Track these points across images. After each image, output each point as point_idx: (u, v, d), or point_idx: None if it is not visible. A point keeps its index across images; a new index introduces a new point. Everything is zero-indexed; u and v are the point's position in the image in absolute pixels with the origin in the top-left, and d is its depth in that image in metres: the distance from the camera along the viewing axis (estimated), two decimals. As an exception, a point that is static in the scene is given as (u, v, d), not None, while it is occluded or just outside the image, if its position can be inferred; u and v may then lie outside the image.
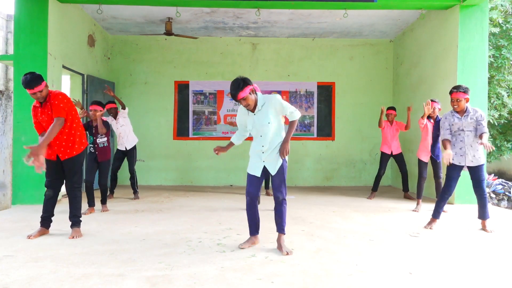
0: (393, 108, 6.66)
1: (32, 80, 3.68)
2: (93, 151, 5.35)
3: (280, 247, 3.49)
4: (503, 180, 8.23)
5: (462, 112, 4.37)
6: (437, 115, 5.61)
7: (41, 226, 4.01)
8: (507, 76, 7.46)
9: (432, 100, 5.54)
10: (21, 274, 2.91)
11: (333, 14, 7.16)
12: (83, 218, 4.42)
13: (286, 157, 3.48)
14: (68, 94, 7.11)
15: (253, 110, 3.45)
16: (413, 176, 7.24)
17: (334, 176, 8.77)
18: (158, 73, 8.65)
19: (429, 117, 5.64)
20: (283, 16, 7.37)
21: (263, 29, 8.17)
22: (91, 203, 5.22)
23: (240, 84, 3.29)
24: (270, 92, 8.63)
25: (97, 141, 5.32)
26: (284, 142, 3.42)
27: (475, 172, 4.38)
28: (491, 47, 7.44)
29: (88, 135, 5.32)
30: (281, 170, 3.47)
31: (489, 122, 7.19)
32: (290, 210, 5.50)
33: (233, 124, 8.63)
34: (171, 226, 4.50)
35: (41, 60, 5.83)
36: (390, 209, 5.81)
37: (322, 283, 2.80)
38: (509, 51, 7.42)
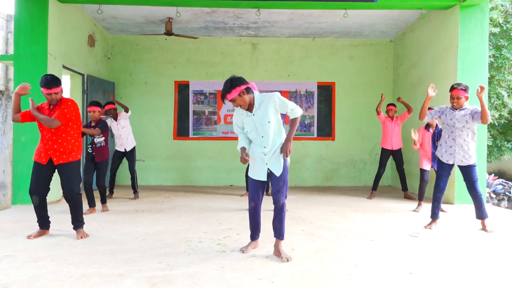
0: (393, 104, 6.67)
1: (53, 80, 3.77)
2: (90, 151, 5.33)
3: (278, 253, 3.34)
4: (503, 180, 8.23)
5: (458, 109, 4.39)
6: (437, 124, 5.61)
7: (40, 228, 4.02)
8: (507, 76, 7.46)
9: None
10: (21, 274, 2.91)
11: (333, 14, 7.16)
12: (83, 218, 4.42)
13: (288, 158, 3.38)
14: (68, 94, 7.13)
15: (250, 110, 3.29)
16: (414, 176, 7.24)
17: (334, 176, 8.77)
18: (158, 73, 8.65)
19: (428, 127, 5.63)
20: (283, 16, 7.37)
21: (263, 29, 8.17)
22: (91, 204, 5.22)
23: (227, 86, 3.16)
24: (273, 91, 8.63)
25: (95, 141, 5.31)
26: (287, 141, 3.29)
27: (467, 173, 4.39)
28: (491, 47, 7.44)
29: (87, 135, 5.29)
30: (285, 171, 3.36)
31: (489, 122, 7.19)
32: (290, 210, 5.50)
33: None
34: (171, 226, 4.50)
35: (41, 60, 5.83)
36: (390, 209, 5.81)
37: (322, 283, 2.79)
38: (509, 51, 7.42)
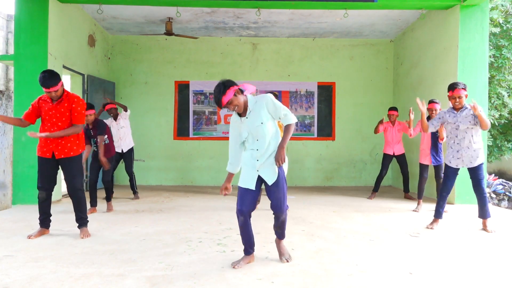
0: (395, 109, 6.58)
1: (50, 78, 3.71)
2: (95, 149, 5.35)
3: (280, 251, 3.29)
4: (504, 180, 8.23)
5: (460, 109, 4.36)
6: None
7: (40, 226, 4.02)
8: (508, 76, 7.45)
9: (433, 101, 5.51)
10: (21, 274, 2.91)
11: (333, 14, 7.16)
12: (83, 218, 4.42)
13: (285, 167, 3.13)
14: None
15: (244, 114, 3.06)
16: (414, 176, 7.23)
17: (334, 176, 8.77)
18: (158, 73, 8.65)
19: (428, 119, 5.63)
20: (283, 16, 7.37)
21: (263, 29, 8.16)
22: (93, 203, 5.23)
23: (220, 88, 2.94)
24: (272, 92, 8.63)
25: (98, 141, 5.32)
26: (280, 148, 3.00)
27: (474, 172, 4.38)
28: (491, 47, 7.44)
29: (89, 138, 5.27)
30: (281, 181, 3.05)
31: (489, 122, 7.18)
32: (290, 210, 5.50)
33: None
34: (171, 226, 4.50)
35: (42, 60, 5.83)
36: (390, 209, 5.81)
37: (322, 283, 2.79)
38: (509, 51, 7.41)
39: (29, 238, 3.88)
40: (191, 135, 8.67)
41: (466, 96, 4.33)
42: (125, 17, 7.51)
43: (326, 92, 8.76)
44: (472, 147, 4.32)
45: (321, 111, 8.75)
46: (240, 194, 3.08)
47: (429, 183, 6.66)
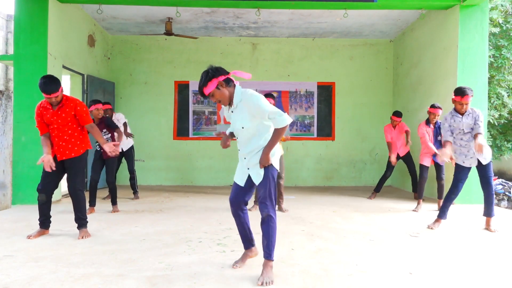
0: (399, 115, 6.33)
1: (51, 85, 3.72)
2: (98, 149, 5.34)
3: (262, 273, 2.82)
4: (503, 180, 8.22)
5: (463, 113, 4.37)
6: (437, 121, 5.61)
7: (40, 227, 4.02)
8: (507, 76, 7.45)
9: (435, 106, 5.48)
10: (21, 274, 2.91)
11: (333, 14, 7.16)
12: (83, 218, 4.43)
13: (277, 165, 2.91)
14: (68, 94, 7.13)
15: (231, 106, 2.85)
16: (410, 176, 7.23)
17: (334, 176, 8.77)
18: (158, 73, 8.65)
19: (428, 123, 5.63)
20: (283, 16, 7.37)
21: (263, 29, 8.17)
22: (92, 203, 5.22)
23: (202, 78, 2.71)
24: (270, 92, 8.63)
25: (116, 134, 5.32)
26: (264, 153, 2.77)
27: (484, 170, 4.38)
28: (491, 47, 7.44)
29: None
30: (266, 179, 2.83)
31: (489, 122, 7.18)
32: (290, 210, 5.51)
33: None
34: (171, 226, 4.50)
35: (41, 60, 5.83)
36: (390, 209, 5.81)
37: (322, 283, 2.79)
38: (509, 51, 7.41)
39: (29, 238, 3.88)
40: (191, 135, 8.67)
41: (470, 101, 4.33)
42: (125, 17, 7.51)
43: (326, 92, 8.77)
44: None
45: (320, 111, 8.75)
46: (233, 186, 3.05)
47: (430, 183, 6.66)
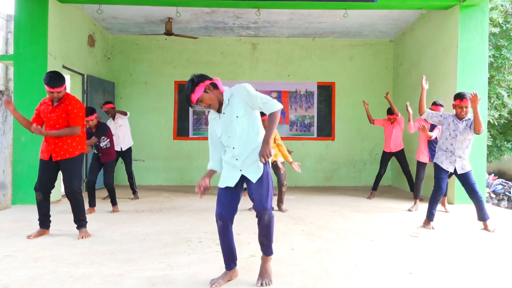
0: (392, 113, 6.44)
1: (56, 79, 3.75)
2: (96, 152, 5.36)
3: (264, 271, 2.78)
4: (503, 180, 8.23)
5: (463, 118, 4.38)
6: None
7: (40, 227, 4.02)
8: (507, 76, 7.45)
9: (436, 104, 5.46)
10: (21, 274, 2.91)
11: (333, 14, 7.16)
12: (83, 218, 4.43)
13: (270, 162, 2.82)
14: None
15: (220, 110, 2.78)
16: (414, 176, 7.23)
17: (334, 176, 8.77)
18: (158, 73, 8.65)
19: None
20: (283, 16, 7.36)
21: (263, 29, 8.16)
22: (91, 203, 5.23)
23: (188, 86, 2.68)
24: (269, 92, 8.64)
25: (100, 145, 5.32)
26: (264, 142, 2.64)
27: (465, 179, 4.42)
28: (491, 47, 7.44)
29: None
30: (265, 178, 2.72)
31: (489, 122, 7.18)
32: (290, 210, 5.51)
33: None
34: (171, 226, 4.50)
35: (41, 60, 5.83)
36: (390, 209, 5.81)
37: (322, 283, 2.79)
38: (509, 51, 7.41)
39: (29, 238, 3.88)
40: (190, 135, 8.67)
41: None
42: (125, 17, 7.51)
43: (326, 92, 8.76)
44: (463, 156, 4.41)
45: (320, 111, 8.75)
46: (219, 196, 2.77)
47: (430, 182, 6.66)
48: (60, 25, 6.28)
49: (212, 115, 2.85)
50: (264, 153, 2.61)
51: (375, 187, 6.79)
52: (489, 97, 7.30)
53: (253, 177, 2.71)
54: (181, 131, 8.66)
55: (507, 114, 7.68)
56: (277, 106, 2.68)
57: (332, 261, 3.29)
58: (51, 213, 4.12)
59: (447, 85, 6.41)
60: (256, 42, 8.72)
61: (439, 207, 5.51)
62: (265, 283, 2.71)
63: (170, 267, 3.09)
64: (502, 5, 7.30)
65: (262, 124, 2.90)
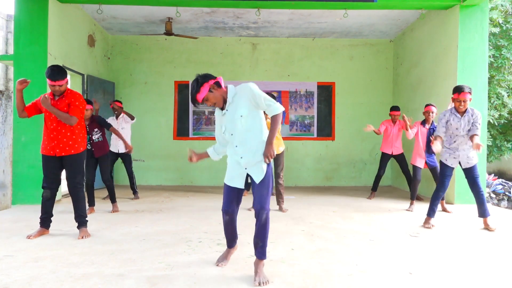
0: (397, 109, 6.46)
1: (58, 72, 3.77)
2: (89, 147, 5.32)
3: (256, 273, 2.83)
4: (503, 180, 8.23)
5: (463, 112, 4.36)
6: (432, 121, 5.62)
7: (40, 226, 4.02)
8: (507, 76, 7.45)
9: (430, 104, 5.58)
10: (21, 274, 2.91)
11: (333, 14, 7.16)
12: (83, 218, 4.43)
13: (271, 163, 3.02)
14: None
15: (224, 107, 2.90)
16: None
17: (334, 176, 8.77)
18: (158, 73, 8.65)
19: (424, 123, 5.64)
20: (283, 16, 7.36)
21: (263, 29, 8.16)
22: (90, 203, 5.22)
23: (194, 86, 2.79)
24: (270, 92, 8.63)
25: (93, 138, 5.30)
26: (268, 143, 2.77)
27: (469, 171, 4.41)
28: (491, 47, 7.44)
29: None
30: (266, 179, 2.85)
31: (489, 122, 7.19)
32: (290, 210, 5.51)
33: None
34: (171, 226, 4.50)
35: (41, 60, 5.83)
36: (390, 209, 5.81)
37: (322, 283, 2.79)
38: (509, 51, 7.41)
39: (29, 238, 3.88)
40: (191, 135, 8.67)
41: (471, 99, 4.33)
42: (125, 17, 7.51)
43: (326, 92, 8.77)
44: (467, 151, 4.38)
45: (320, 111, 8.75)
46: (225, 193, 2.95)
47: (430, 183, 6.66)
48: (60, 25, 6.28)
49: (217, 111, 2.99)
50: (268, 154, 2.77)
51: (374, 187, 6.79)
52: (489, 97, 7.30)
53: (257, 178, 2.85)
54: (181, 131, 8.66)
55: (507, 114, 7.69)
56: (280, 109, 2.82)
57: (332, 261, 3.29)
58: (52, 212, 4.12)
59: (447, 85, 6.41)
60: (256, 42, 8.72)
61: (439, 209, 5.52)
62: (263, 283, 2.75)
63: (170, 267, 3.09)
64: (502, 5, 7.30)
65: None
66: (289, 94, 8.70)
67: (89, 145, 5.32)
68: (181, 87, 8.66)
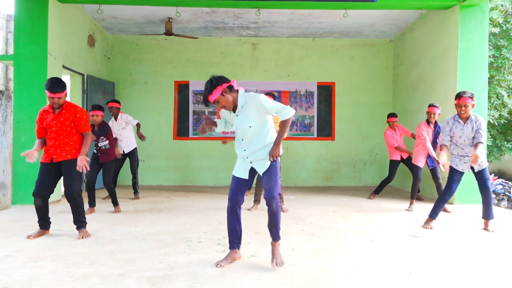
0: (394, 115, 6.43)
1: (58, 85, 3.78)
2: (95, 152, 5.35)
3: (274, 255, 3.10)
4: (503, 180, 8.23)
5: (466, 119, 4.36)
6: (436, 121, 5.62)
7: (40, 228, 4.02)
8: (507, 76, 7.44)
9: (433, 105, 5.55)
10: (21, 274, 2.91)
11: (333, 14, 7.16)
12: (83, 218, 4.42)
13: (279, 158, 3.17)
14: (68, 94, 7.13)
15: (234, 111, 3.08)
16: (410, 176, 7.23)
17: (334, 176, 8.77)
18: (158, 73, 8.65)
19: (429, 122, 5.64)
20: (283, 16, 7.37)
21: (263, 29, 8.17)
22: (91, 203, 5.22)
23: (207, 87, 2.93)
24: (270, 92, 8.62)
25: (99, 145, 5.31)
26: (275, 144, 3.03)
27: (480, 174, 4.41)
28: (491, 47, 7.43)
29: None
30: (273, 169, 3.06)
31: (489, 122, 7.18)
32: (290, 210, 5.51)
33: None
34: (171, 226, 4.50)
35: (41, 60, 5.83)
36: (390, 209, 5.81)
37: (322, 283, 2.79)
38: (509, 51, 7.41)
39: (29, 238, 3.88)
40: (191, 135, 8.67)
41: (473, 105, 4.31)
42: (125, 17, 7.51)
43: (326, 92, 8.77)
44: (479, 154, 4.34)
45: (320, 111, 8.75)
46: (232, 184, 3.17)
47: (429, 184, 6.66)
48: (60, 25, 6.28)
49: (224, 110, 3.17)
50: (273, 154, 3.02)
51: (378, 190, 6.71)
52: (489, 97, 7.29)
53: (260, 170, 3.07)
54: (181, 131, 8.66)
55: (507, 114, 7.68)
56: (290, 113, 3.03)
57: (332, 261, 3.29)
58: (51, 213, 4.12)
59: (447, 85, 6.41)
60: (256, 42, 8.72)
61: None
62: (279, 263, 3.05)
63: (170, 267, 3.09)
64: (502, 5, 7.29)
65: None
66: (289, 94, 8.70)
67: (95, 150, 5.34)
68: (181, 87, 8.66)
